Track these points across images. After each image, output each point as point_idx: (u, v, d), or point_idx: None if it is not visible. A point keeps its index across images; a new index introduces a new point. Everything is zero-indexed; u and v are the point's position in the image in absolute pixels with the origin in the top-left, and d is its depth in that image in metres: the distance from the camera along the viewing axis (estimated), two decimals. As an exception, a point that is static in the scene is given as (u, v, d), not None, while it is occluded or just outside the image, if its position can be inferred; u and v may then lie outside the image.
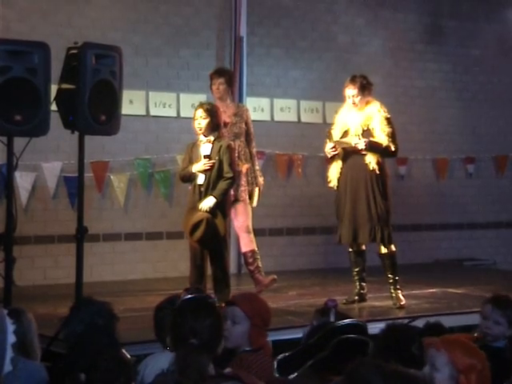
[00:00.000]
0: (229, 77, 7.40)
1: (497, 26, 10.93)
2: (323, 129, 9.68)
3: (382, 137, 6.83)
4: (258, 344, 3.98)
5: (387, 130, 6.85)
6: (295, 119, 9.61)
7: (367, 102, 6.97)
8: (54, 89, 5.69)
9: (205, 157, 6.65)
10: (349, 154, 6.93)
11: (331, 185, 7.06)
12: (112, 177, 8.50)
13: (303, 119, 9.65)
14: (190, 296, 3.54)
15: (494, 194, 10.86)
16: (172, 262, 8.66)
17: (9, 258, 5.49)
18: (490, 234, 10.78)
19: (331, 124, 9.61)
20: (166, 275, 8.57)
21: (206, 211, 6.57)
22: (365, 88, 6.95)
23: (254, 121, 7.61)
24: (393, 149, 6.86)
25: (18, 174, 7.25)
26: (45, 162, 8.12)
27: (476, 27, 10.77)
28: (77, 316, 3.85)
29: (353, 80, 7.00)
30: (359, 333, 3.54)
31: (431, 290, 7.78)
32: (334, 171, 7.02)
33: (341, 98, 9.66)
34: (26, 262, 7.68)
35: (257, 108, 9.21)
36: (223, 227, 6.69)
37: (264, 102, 9.40)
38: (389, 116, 6.95)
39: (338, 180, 6.98)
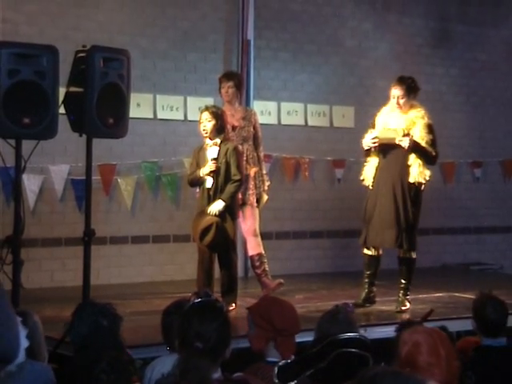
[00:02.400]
0: (238, 80, 7.41)
1: (504, 30, 10.92)
2: (330, 132, 9.75)
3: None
4: (258, 348, 4.01)
5: (427, 137, 6.75)
6: (302, 123, 9.61)
7: (411, 106, 6.85)
8: (62, 92, 5.71)
9: (212, 160, 6.66)
10: (387, 156, 6.82)
11: (366, 183, 6.94)
12: (119, 180, 8.51)
13: (310, 123, 9.65)
14: (197, 300, 3.54)
15: (501, 199, 10.84)
16: (179, 265, 8.66)
17: (17, 260, 5.50)
18: (497, 239, 10.76)
19: (338, 128, 9.73)
20: (173, 278, 8.57)
21: (215, 215, 6.57)
22: (411, 90, 6.83)
23: (260, 124, 7.62)
24: (433, 154, 6.75)
25: (25, 177, 7.27)
26: (52, 164, 8.14)
27: (483, 32, 10.76)
28: (81, 319, 3.86)
29: (401, 80, 6.87)
30: (361, 348, 3.53)
31: (438, 295, 7.77)
32: (370, 170, 6.92)
33: (348, 102, 9.72)
34: (34, 264, 7.69)
35: (264, 111, 9.22)
36: (232, 230, 6.70)
37: (271, 105, 9.40)
38: (431, 123, 6.85)
39: (373, 179, 6.87)
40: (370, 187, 6.94)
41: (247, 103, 8.74)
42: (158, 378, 2.83)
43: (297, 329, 4.11)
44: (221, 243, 6.59)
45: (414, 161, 6.78)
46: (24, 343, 2.12)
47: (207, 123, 6.70)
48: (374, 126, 6.89)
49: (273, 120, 9.39)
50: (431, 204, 10.41)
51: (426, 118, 6.84)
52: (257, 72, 9.22)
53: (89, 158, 5.85)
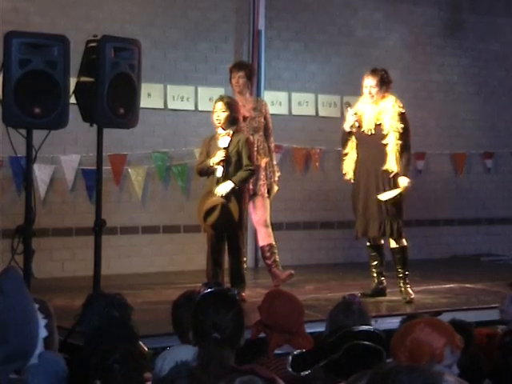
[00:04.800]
0: (249, 70, 7.39)
1: (516, 20, 10.87)
2: (341, 123, 9.69)
3: (390, 134, 6.78)
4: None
5: (398, 125, 6.79)
6: (313, 113, 9.59)
7: (383, 97, 6.92)
8: (72, 82, 5.71)
9: (223, 149, 6.64)
10: (364, 147, 6.90)
11: (347, 177, 7.06)
12: (130, 170, 8.51)
13: (321, 113, 9.63)
14: (210, 290, 3.54)
15: (512, 190, 10.80)
16: (189, 255, 8.67)
17: (28, 250, 5.51)
18: (508, 230, 10.72)
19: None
20: (183, 268, 8.59)
21: (222, 196, 6.55)
22: (384, 82, 6.91)
23: (271, 115, 7.60)
24: (402, 150, 6.77)
25: (36, 167, 7.28)
26: (63, 154, 8.15)
27: (495, 21, 10.70)
28: (92, 310, 3.86)
29: (373, 71, 6.97)
30: (375, 341, 3.53)
31: (449, 286, 7.75)
32: (350, 164, 7.02)
33: (359, 92, 9.64)
34: (44, 254, 7.72)
35: (274, 102, 9.20)
36: (237, 213, 6.64)
37: (282, 95, 9.38)
38: (403, 111, 6.87)
39: (354, 173, 6.97)
40: (352, 181, 7.00)
41: (258, 93, 8.72)
42: (172, 366, 2.83)
43: (291, 326, 4.12)
44: (224, 224, 6.56)
45: (391, 150, 6.79)
46: (43, 333, 2.12)
47: (221, 113, 6.67)
48: (351, 105, 7.00)
49: (283, 110, 9.37)
50: (442, 195, 10.40)
51: (396, 107, 6.87)
52: (268, 62, 9.20)
53: (99, 148, 5.85)
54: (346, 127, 6.95)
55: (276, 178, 7.48)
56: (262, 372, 2.65)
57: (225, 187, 6.59)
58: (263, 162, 7.27)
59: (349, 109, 6.97)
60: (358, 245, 9.04)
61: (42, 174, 7.95)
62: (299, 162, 9.44)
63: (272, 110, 7.89)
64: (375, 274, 7.05)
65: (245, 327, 3.48)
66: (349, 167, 7.03)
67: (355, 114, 6.89)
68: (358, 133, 6.93)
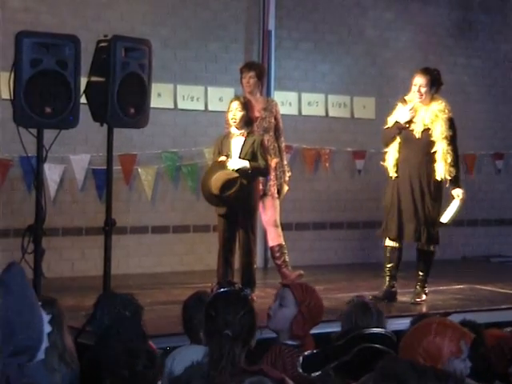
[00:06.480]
0: (259, 71, 7.38)
1: (528, 20, 10.83)
2: (351, 123, 9.71)
3: (439, 141, 6.66)
4: (298, 333, 4.01)
5: (447, 132, 6.67)
6: (323, 113, 9.57)
7: (432, 98, 6.75)
8: (83, 81, 5.72)
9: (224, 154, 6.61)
10: (408, 148, 6.74)
11: (391, 175, 6.84)
12: (140, 170, 8.52)
13: (331, 113, 9.61)
14: (223, 289, 3.56)
15: (523, 191, 10.76)
16: (199, 255, 8.67)
17: (38, 249, 5.52)
18: (519, 231, 10.69)
19: (359, 119, 9.70)
20: (193, 268, 8.59)
21: (234, 170, 6.48)
22: (435, 82, 6.73)
23: (281, 115, 7.60)
24: (450, 160, 6.68)
25: (46, 166, 7.27)
26: (73, 154, 8.16)
27: (507, 22, 10.67)
28: (103, 309, 3.87)
29: (425, 70, 6.79)
30: (386, 344, 3.52)
31: (459, 287, 7.74)
32: (392, 160, 6.81)
33: (369, 93, 9.67)
34: (54, 253, 7.72)
35: (284, 102, 9.19)
36: (254, 193, 6.60)
37: (292, 96, 9.37)
38: (452, 116, 6.76)
39: (396, 171, 6.81)
40: (393, 178, 6.85)
41: (268, 93, 8.70)
42: (187, 366, 2.84)
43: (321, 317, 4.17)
44: (242, 200, 6.48)
45: (441, 158, 6.69)
46: (47, 329, 2.14)
47: (237, 112, 6.64)
48: (404, 102, 6.79)
49: (293, 111, 9.36)
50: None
51: (447, 112, 6.74)
52: (278, 62, 9.18)
53: (110, 148, 5.86)
54: (402, 121, 6.70)
55: (286, 178, 7.48)
56: (271, 373, 2.65)
57: (237, 162, 6.53)
58: (273, 162, 7.26)
59: (404, 104, 6.74)
60: (367, 245, 9.04)
61: (52, 173, 7.96)
62: (309, 162, 9.43)
63: (282, 110, 7.87)
64: (388, 277, 6.91)
65: (257, 328, 3.48)
66: (390, 163, 6.81)
67: (412, 109, 6.69)
68: (405, 132, 6.74)
